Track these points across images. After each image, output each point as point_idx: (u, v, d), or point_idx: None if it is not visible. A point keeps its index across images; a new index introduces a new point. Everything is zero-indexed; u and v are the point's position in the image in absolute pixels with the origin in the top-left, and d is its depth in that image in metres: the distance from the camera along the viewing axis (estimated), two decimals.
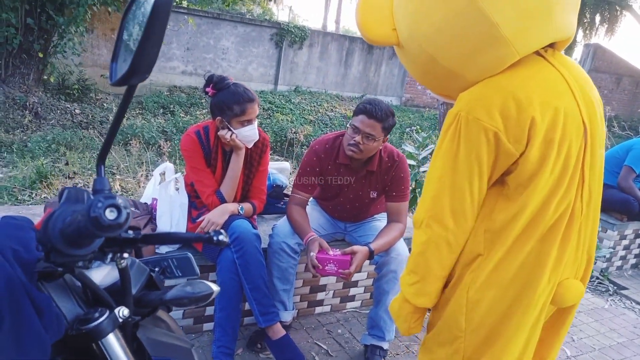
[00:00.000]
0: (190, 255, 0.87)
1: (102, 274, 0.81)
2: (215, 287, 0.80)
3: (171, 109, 9.06)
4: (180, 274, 0.88)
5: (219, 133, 2.12)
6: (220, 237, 0.61)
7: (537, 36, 1.06)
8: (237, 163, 2.18)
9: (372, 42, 1.19)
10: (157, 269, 0.88)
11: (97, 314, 0.72)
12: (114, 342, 0.73)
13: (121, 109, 0.62)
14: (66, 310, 0.73)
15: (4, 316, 0.62)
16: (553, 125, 1.05)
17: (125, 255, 0.67)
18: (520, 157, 1.07)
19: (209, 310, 2.36)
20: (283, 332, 2.16)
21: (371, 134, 2.09)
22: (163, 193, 2.21)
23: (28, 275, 0.68)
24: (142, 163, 5.59)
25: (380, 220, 2.49)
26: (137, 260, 0.82)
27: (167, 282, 0.93)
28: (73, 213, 0.60)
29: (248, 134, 2.13)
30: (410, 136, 8.06)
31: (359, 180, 2.31)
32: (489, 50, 1.05)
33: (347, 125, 2.19)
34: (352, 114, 2.21)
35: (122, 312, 0.75)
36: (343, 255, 2.06)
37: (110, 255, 0.66)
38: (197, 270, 0.89)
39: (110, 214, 0.51)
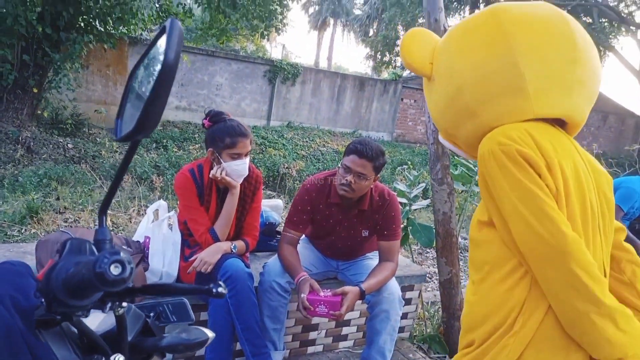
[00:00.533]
0: (185, 300, 0.88)
1: (98, 321, 0.81)
2: (210, 334, 0.81)
3: (164, 144, 9.11)
4: (175, 320, 0.89)
5: (210, 174, 2.15)
6: (220, 290, 0.62)
7: (555, 102, 1.10)
8: (231, 202, 2.19)
9: (409, 66, 1.27)
10: (152, 314, 0.88)
11: None
12: None
13: (125, 162, 0.64)
14: (62, 358, 0.73)
15: None
16: (571, 174, 1.06)
17: (124, 304, 0.68)
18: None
19: (200, 351, 2.32)
20: None
21: (362, 173, 2.12)
22: (156, 231, 2.21)
23: (26, 323, 0.68)
24: (134, 198, 5.58)
25: (373, 258, 2.50)
26: (133, 306, 0.83)
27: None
28: (76, 265, 0.61)
29: (237, 168, 2.15)
30: (401, 173, 8.14)
31: (350, 219, 2.34)
32: (509, 97, 1.10)
33: (339, 165, 2.22)
34: (343, 153, 2.25)
35: (118, 359, 0.75)
36: (334, 296, 2.05)
37: (109, 305, 0.67)
38: (192, 315, 0.89)
39: (115, 270, 0.52)
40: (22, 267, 0.81)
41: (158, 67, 0.56)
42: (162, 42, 0.58)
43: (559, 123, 1.17)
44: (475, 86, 1.14)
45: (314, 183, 2.34)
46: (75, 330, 0.75)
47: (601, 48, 15.08)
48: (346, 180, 2.14)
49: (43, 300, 0.66)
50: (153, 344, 0.80)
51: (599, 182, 1.14)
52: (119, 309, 0.69)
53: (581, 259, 0.99)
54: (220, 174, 2.12)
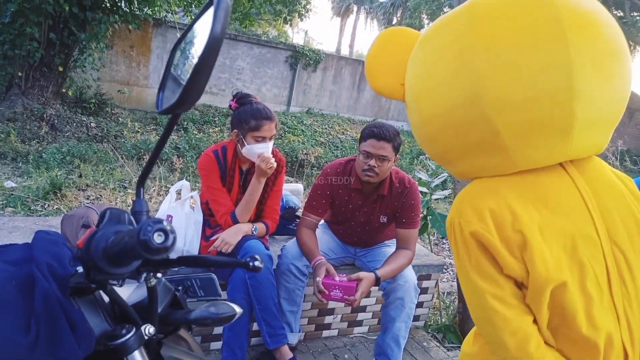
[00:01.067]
0: (214, 276, 0.89)
1: (129, 291, 0.83)
2: (238, 309, 0.82)
3: (184, 126, 9.19)
4: (202, 294, 0.90)
5: (257, 156, 2.13)
6: (256, 263, 0.63)
7: (546, 155, 0.89)
8: (257, 189, 2.20)
9: (376, 90, 1.08)
10: (180, 288, 0.90)
11: (124, 331, 0.74)
12: (139, 359, 0.75)
13: (164, 135, 0.65)
14: (94, 326, 0.75)
15: (40, 330, 0.64)
16: (558, 252, 0.88)
17: (159, 275, 0.69)
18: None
19: (217, 329, 2.36)
20: (290, 354, 2.16)
21: (384, 155, 2.12)
22: (178, 210, 2.24)
23: (62, 290, 0.70)
24: (155, 178, 5.65)
25: (391, 246, 2.50)
26: (164, 279, 0.85)
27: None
28: (117, 233, 0.62)
29: (260, 151, 2.15)
30: (422, 162, 8.09)
31: (369, 204, 2.34)
32: (484, 155, 0.91)
33: (358, 152, 2.22)
34: (359, 141, 2.24)
35: (148, 329, 0.76)
36: (349, 281, 2.06)
37: (144, 275, 0.68)
38: (220, 291, 0.91)
39: (158, 238, 0.53)
40: (56, 236, 0.83)
41: (202, 41, 0.56)
42: (207, 16, 0.58)
43: None
44: (442, 135, 0.94)
45: (334, 168, 2.35)
46: (108, 299, 0.77)
47: (631, 43, 14.68)
48: (369, 165, 2.13)
49: (81, 267, 0.68)
50: (182, 316, 0.82)
51: (616, 233, 0.90)
52: (153, 279, 0.71)
53: None
54: (266, 165, 2.11)
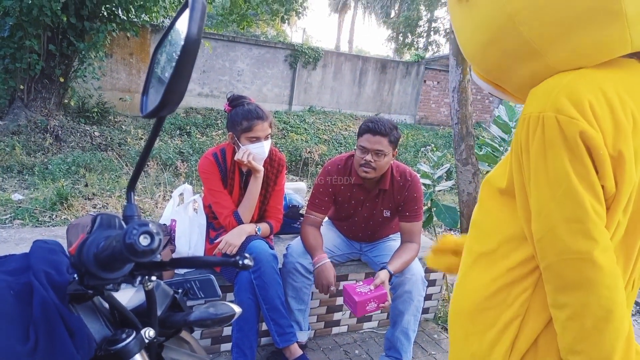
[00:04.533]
0: (212, 277, 0.90)
1: (128, 296, 0.84)
2: (237, 309, 0.83)
3: (187, 130, 9.21)
4: (202, 295, 0.91)
5: (235, 157, 2.16)
6: (246, 261, 0.63)
7: None
8: (255, 186, 2.21)
9: None
10: (180, 291, 0.91)
11: (124, 335, 0.75)
12: None
13: (151, 139, 0.65)
14: (94, 331, 0.75)
15: (39, 337, 0.64)
16: None
17: (154, 278, 0.70)
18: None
19: (227, 331, 2.37)
20: (300, 352, 2.17)
21: (380, 150, 2.12)
22: (182, 214, 2.25)
23: (60, 297, 0.71)
24: (160, 184, 5.67)
25: (396, 240, 2.50)
26: (162, 282, 0.85)
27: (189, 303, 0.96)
28: (107, 238, 0.63)
29: (255, 152, 2.15)
30: (425, 155, 8.06)
31: (372, 199, 2.34)
32: (595, 27, 0.76)
33: (355, 148, 2.22)
34: (356, 136, 2.24)
35: (148, 333, 0.77)
36: (376, 288, 2.06)
37: (139, 279, 0.69)
38: (219, 291, 0.91)
39: (144, 241, 0.54)
40: (54, 244, 0.84)
41: (181, 43, 0.57)
42: (184, 18, 0.58)
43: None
44: (539, 14, 0.79)
45: (335, 165, 2.35)
46: (107, 305, 0.78)
47: None
48: (365, 160, 2.14)
49: (76, 275, 0.68)
50: (182, 318, 0.82)
51: None
52: (149, 283, 0.71)
53: (610, 299, 0.77)
54: (247, 158, 2.13)
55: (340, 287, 2.10)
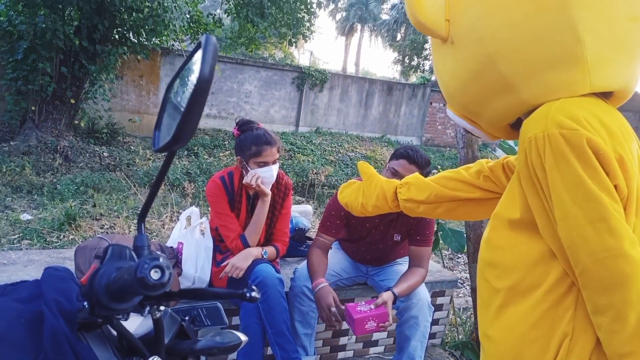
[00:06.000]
0: (219, 305, 0.90)
1: (136, 324, 0.85)
2: (243, 337, 0.83)
3: (195, 151, 9.28)
4: (209, 323, 0.91)
5: (244, 181, 2.18)
6: (253, 294, 0.64)
7: (615, 72, 0.90)
8: (262, 209, 2.22)
9: (421, 26, 1.00)
10: (187, 318, 0.91)
11: None
12: None
13: (162, 171, 0.67)
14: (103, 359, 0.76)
15: None
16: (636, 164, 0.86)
17: (162, 307, 0.71)
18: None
19: (232, 355, 2.36)
20: None
21: None
22: (189, 237, 2.26)
23: (70, 325, 0.72)
24: (167, 204, 5.70)
25: (403, 264, 2.49)
26: (170, 310, 0.86)
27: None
28: (118, 270, 0.64)
29: (264, 175, 2.17)
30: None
31: (386, 222, 2.33)
32: (562, 68, 0.88)
33: (386, 168, 2.21)
34: (390, 157, 2.24)
35: None
36: (377, 307, 2.05)
37: (148, 309, 0.70)
38: (226, 319, 0.91)
39: (155, 275, 0.55)
40: (65, 272, 0.85)
41: (194, 80, 0.59)
42: (197, 57, 0.61)
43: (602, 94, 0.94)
44: (514, 53, 0.90)
45: None
46: (115, 333, 0.79)
47: None
48: None
49: (86, 303, 0.69)
50: (188, 346, 0.83)
51: None
52: (157, 312, 0.72)
53: None
54: (256, 182, 2.15)
55: (343, 307, 2.08)
